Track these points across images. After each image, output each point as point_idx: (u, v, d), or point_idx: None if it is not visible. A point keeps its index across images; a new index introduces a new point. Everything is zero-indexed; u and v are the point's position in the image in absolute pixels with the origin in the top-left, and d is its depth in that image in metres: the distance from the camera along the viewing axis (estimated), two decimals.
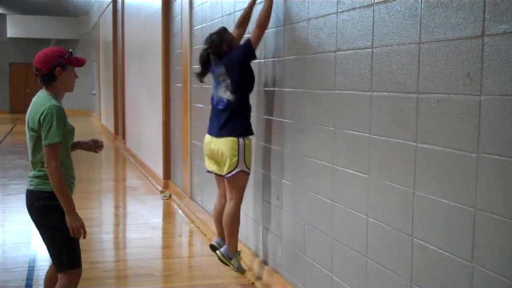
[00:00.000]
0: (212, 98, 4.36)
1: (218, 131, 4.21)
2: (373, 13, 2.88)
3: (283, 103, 4.03)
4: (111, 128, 15.40)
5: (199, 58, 4.38)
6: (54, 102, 3.12)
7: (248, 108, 4.26)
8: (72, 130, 3.27)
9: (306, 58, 3.65)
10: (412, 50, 2.57)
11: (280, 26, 4.03)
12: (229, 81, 4.16)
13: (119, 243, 6.12)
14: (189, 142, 6.80)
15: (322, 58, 3.42)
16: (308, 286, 3.73)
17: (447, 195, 2.36)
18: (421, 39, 2.51)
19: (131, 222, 6.95)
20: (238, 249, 4.44)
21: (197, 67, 6.56)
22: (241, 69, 4.15)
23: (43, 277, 4.56)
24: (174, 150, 7.91)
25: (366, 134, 2.96)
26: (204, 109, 6.18)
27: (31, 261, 5.07)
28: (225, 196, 4.41)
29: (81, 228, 3.15)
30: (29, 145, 3.19)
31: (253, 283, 4.48)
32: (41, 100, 3.17)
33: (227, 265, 4.37)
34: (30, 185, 3.19)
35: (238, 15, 4.95)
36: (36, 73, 3.23)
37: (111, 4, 14.39)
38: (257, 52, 4.48)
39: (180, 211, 7.05)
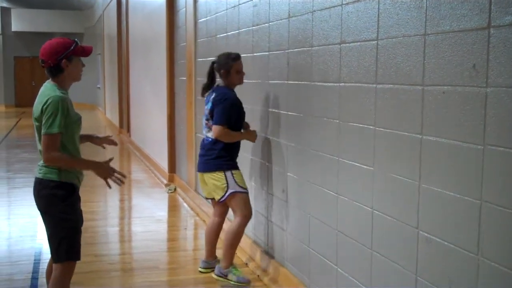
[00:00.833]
0: (203, 137, 4.38)
1: (204, 166, 4.30)
2: (378, 5, 2.86)
3: (288, 96, 4.02)
4: (116, 122, 15.42)
5: (208, 70, 4.39)
6: (58, 92, 3.13)
7: (232, 146, 4.24)
8: (78, 119, 3.27)
9: (310, 50, 3.63)
10: (418, 42, 2.56)
11: (285, 19, 4.01)
12: (211, 121, 4.20)
13: (124, 236, 6.14)
14: (194, 135, 6.80)
15: (327, 51, 3.41)
16: (313, 278, 3.73)
17: (453, 187, 2.35)
18: (427, 31, 2.50)
19: (136, 215, 6.97)
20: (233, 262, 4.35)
21: (199, 58, 6.60)
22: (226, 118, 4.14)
23: None
24: (179, 143, 7.91)
25: (371, 127, 2.95)
26: None
27: (37, 254, 5.09)
28: (219, 215, 4.43)
29: (113, 174, 3.24)
30: (36, 134, 3.22)
31: (258, 276, 4.49)
32: (46, 90, 3.19)
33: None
34: (39, 173, 3.20)
35: (242, 8, 4.94)
36: (43, 65, 3.24)
37: None
38: (261, 45, 4.48)
39: (185, 204, 7.06)
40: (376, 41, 2.89)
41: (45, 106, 3.07)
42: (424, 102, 2.52)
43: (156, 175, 8.92)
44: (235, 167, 4.24)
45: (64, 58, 3.19)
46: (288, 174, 4.05)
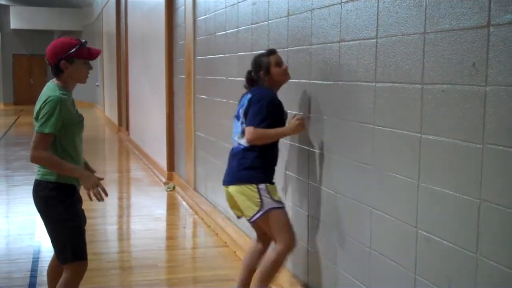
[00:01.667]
0: (232, 144, 3.66)
1: (231, 179, 3.56)
2: (378, 3, 2.86)
3: (286, 95, 4.02)
4: (115, 120, 15.40)
5: (245, 84, 3.73)
6: (58, 93, 3.08)
7: (268, 157, 3.54)
8: (80, 121, 3.23)
9: (309, 49, 3.63)
10: (417, 41, 2.55)
11: (284, 17, 4.01)
12: (245, 123, 3.51)
13: (123, 234, 6.14)
14: (193, 133, 6.79)
15: (326, 49, 3.40)
16: (312, 277, 3.72)
17: (452, 186, 2.35)
18: (426, 29, 2.49)
19: (135, 214, 6.97)
20: None
21: (198, 56, 6.60)
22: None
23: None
24: (178, 141, 7.91)
25: (370, 125, 2.95)
26: (207, 101, 6.17)
27: (36, 252, 5.09)
28: (262, 241, 3.70)
29: (97, 187, 3.10)
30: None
31: None
32: (47, 90, 3.16)
33: None
34: (38, 174, 3.18)
35: (241, 6, 4.94)
36: (47, 63, 3.20)
37: None
38: (260, 43, 4.47)
39: (184, 203, 7.06)
40: (375, 40, 2.89)
41: (43, 105, 3.05)
42: (424, 100, 2.52)
43: (155, 174, 8.92)
44: (270, 180, 3.51)
45: (64, 59, 3.12)
46: (287, 172, 4.04)
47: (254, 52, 4.59)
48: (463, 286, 2.31)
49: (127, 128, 13.01)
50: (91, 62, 3.28)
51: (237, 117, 3.61)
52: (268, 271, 3.47)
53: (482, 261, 2.19)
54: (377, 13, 2.86)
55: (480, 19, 2.18)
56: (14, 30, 25.10)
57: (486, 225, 2.17)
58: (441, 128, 2.41)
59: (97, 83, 21.69)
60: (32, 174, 3.25)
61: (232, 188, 3.51)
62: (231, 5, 5.18)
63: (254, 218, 3.44)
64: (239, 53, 5.01)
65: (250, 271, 3.68)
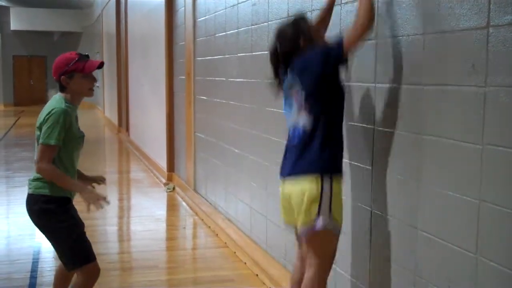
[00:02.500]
0: (289, 133, 2.92)
1: (290, 168, 2.82)
2: (377, 4, 2.86)
3: None
4: (115, 121, 15.41)
5: (270, 58, 3.02)
6: (63, 106, 3.07)
7: (336, 140, 2.82)
8: (80, 137, 3.21)
9: None
10: (417, 41, 2.56)
11: (284, 18, 4.01)
12: (303, 95, 2.77)
13: (123, 235, 6.14)
14: (193, 134, 6.80)
15: None
16: None
17: (452, 187, 2.35)
18: (426, 30, 2.50)
19: (135, 214, 6.97)
20: None
21: (198, 57, 6.61)
22: (323, 76, 2.73)
23: (48, 268, 4.58)
24: (178, 142, 7.91)
25: (371, 126, 2.95)
26: (207, 102, 6.18)
27: (36, 253, 5.09)
28: (304, 261, 2.95)
29: (98, 200, 3.08)
30: (35, 144, 3.16)
31: (257, 275, 4.49)
32: (53, 101, 3.15)
33: None
34: (29, 188, 3.16)
35: (241, 7, 4.93)
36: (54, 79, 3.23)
37: None
38: (261, 44, 4.47)
39: (184, 203, 7.06)
40: (375, 40, 2.89)
41: (47, 116, 3.03)
42: (423, 101, 2.52)
43: (155, 174, 8.93)
44: (338, 170, 2.79)
45: (63, 74, 3.12)
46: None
47: (254, 53, 4.60)
48: (463, 287, 2.32)
49: (127, 129, 13.01)
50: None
51: (288, 102, 2.89)
52: None
53: (481, 261, 2.20)
54: (377, 14, 2.86)
55: (479, 20, 2.18)
56: (14, 31, 25.12)
57: (485, 226, 2.18)
58: (440, 129, 2.42)
59: (97, 84, 21.67)
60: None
61: (289, 182, 2.83)
62: (231, 6, 5.18)
63: (304, 230, 2.78)
64: (239, 54, 5.02)
65: None
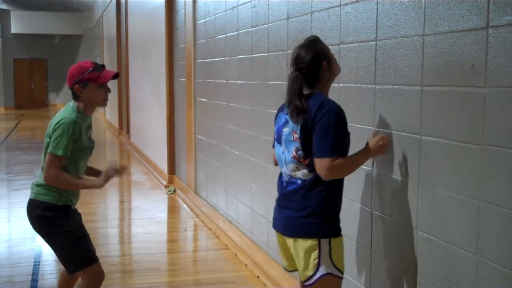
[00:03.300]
0: (281, 178, 2.75)
1: (286, 227, 2.69)
2: (377, 6, 2.87)
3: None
4: (116, 123, 15.42)
5: (287, 89, 2.68)
6: (74, 116, 3.06)
7: (337, 199, 2.66)
8: (88, 148, 3.20)
9: None
10: (416, 43, 2.56)
11: (284, 20, 4.02)
12: (301, 150, 2.59)
13: (124, 238, 6.14)
14: (194, 136, 6.80)
15: None
16: None
17: (452, 187, 2.36)
18: (425, 31, 2.50)
19: (136, 217, 6.97)
20: None
21: (199, 59, 6.61)
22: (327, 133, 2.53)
23: (49, 271, 4.59)
24: (179, 144, 7.91)
25: (371, 127, 2.95)
26: (208, 104, 6.18)
27: (37, 255, 5.09)
28: None
29: (114, 173, 3.17)
30: (43, 151, 3.15)
31: (258, 276, 4.49)
32: (64, 110, 3.13)
33: None
34: (31, 193, 3.16)
35: (241, 9, 4.95)
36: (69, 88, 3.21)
37: None
38: (260, 46, 4.47)
39: (185, 206, 7.06)
40: (375, 42, 2.90)
41: (56, 126, 3.03)
42: (423, 102, 2.53)
43: (156, 177, 8.93)
44: (337, 232, 2.64)
45: (77, 83, 3.10)
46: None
47: (254, 55, 4.60)
48: (463, 287, 2.32)
49: (128, 132, 13.02)
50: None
51: (284, 139, 2.68)
52: None
53: (482, 262, 2.20)
54: (377, 15, 2.87)
55: (479, 21, 2.19)
56: (15, 34, 25.16)
57: (486, 226, 2.18)
58: (440, 130, 2.42)
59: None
60: (34, 178, 3.25)
61: (290, 241, 2.69)
62: (231, 8, 5.19)
63: (309, 282, 2.65)
64: (239, 56, 5.02)
65: None
